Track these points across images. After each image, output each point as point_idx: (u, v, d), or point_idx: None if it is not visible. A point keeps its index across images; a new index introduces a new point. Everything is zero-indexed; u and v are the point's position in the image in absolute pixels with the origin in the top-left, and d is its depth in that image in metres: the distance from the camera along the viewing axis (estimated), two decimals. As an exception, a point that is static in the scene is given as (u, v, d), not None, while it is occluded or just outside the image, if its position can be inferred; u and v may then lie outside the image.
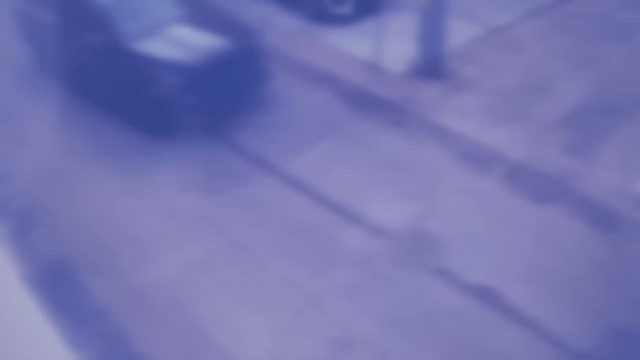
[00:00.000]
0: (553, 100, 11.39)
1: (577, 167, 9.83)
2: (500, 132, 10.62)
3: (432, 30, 11.67)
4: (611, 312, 7.77)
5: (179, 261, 8.54)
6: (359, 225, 9.05)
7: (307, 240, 8.82)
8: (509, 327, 7.65)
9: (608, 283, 8.14)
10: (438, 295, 8.05)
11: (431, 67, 11.97)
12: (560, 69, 12.22)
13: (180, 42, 11.06)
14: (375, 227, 8.99)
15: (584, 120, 10.87)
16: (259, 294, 8.10)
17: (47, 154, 10.51)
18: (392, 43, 12.48)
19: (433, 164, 10.09)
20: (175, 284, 8.25)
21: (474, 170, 9.93)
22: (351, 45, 12.93)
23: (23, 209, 9.45)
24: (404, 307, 7.91)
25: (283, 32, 13.50)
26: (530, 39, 13.20)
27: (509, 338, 7.53)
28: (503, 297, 7.99)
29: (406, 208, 9.28)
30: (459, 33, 12.93)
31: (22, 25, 12.88)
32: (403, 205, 9.31)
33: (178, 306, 7.97)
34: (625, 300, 7.93)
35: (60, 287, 8.23)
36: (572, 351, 7.37)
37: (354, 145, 10.48)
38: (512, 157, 10.09)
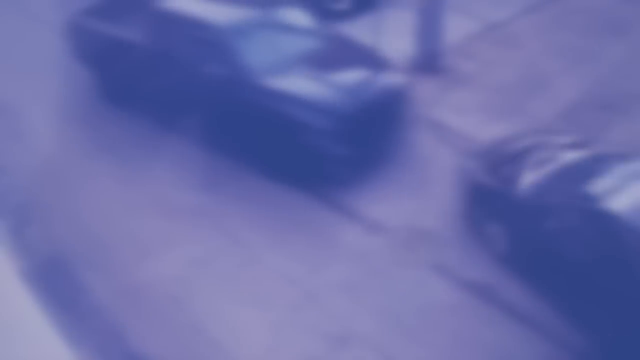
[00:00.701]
0: (551, 96, 11.39)
1: (574, 162, 9.83)
2: (498, 127, 10.61)
3: (429, 25, 11.66)
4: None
5: (177, 257, 8.54)
6: (357, 220, 9.04)
7: (304, 236, 8.82)
8: (506, 322, 7.65)
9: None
10: (436, 290, 8.05)
11: (429, 62, 11.96)
12: (558, 64, 12.21)
13: (323, 78, 9.44)
14: (373, 223, 8.99)
15: (581, 116, 10.86)
16: (256, 290, 8.10)
17: (51, 152, 10.50)
18: (389, 39, 12.47)
19: (430, 159, 10.09)
20: (173, 280, 8.24)
21: (471, 166, 9.92)
22: (349, 41, 12.91)
23: (21, 205, 9.44)
24: (402, 303, 7.91)
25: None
26: (528, 34, 13.19)
27: (507, 334, 7.52)
28: (501, 292, 7.98)
29: (403, 203, 9.27)
30: (456, 28, 12.92)
31: (79, 42, 11.06)
32: (400, 201, 9.30)
33: (175, 302, 7.96)
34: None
35: (58, 283, 8.22)
36: (570, 347, 7.37)
37: (351, 141, 10.46)
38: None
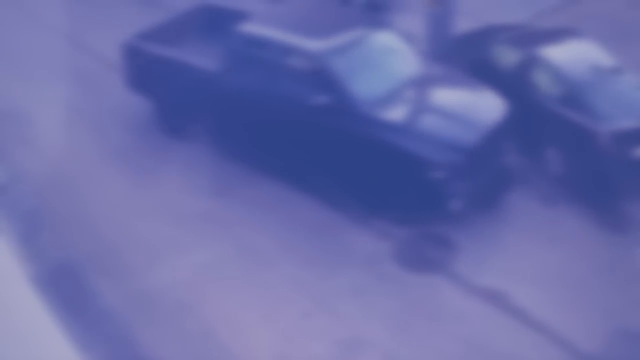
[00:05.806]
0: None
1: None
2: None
3: (439, 31, 11.64)
4: (620, 314, 7.71)
5: (187, 263, 8.54)
6: (367, 227, 9.02)
7: (314, 242, 8.80)
8: (517, 329, 7.60)
9: (618, 285, 8.08)
10: (446, 297, 8.01)
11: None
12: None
13: (440, 108, 8.66)
14: (383, 229, 8.96)
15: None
16: (266, 296, 8.09)
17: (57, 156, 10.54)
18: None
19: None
20: (183, 286, 8.24)
21: (482, 172, 9.88)
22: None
23: (32, 211, 9.48)
24: (412, 309, 7.88)
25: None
26: (539, 39, 13.11)
27: (518, 340, 7.48)
28: (512, 299, 7.94)
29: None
30: (467, 34, 12.86)
31: (135, 68, 10.13)
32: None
33: (185, 308, 7.96)
34: (635, 302, 7.88)
35: (69, 288, 8.24)
36: (582, 354, 7.32)
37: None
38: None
